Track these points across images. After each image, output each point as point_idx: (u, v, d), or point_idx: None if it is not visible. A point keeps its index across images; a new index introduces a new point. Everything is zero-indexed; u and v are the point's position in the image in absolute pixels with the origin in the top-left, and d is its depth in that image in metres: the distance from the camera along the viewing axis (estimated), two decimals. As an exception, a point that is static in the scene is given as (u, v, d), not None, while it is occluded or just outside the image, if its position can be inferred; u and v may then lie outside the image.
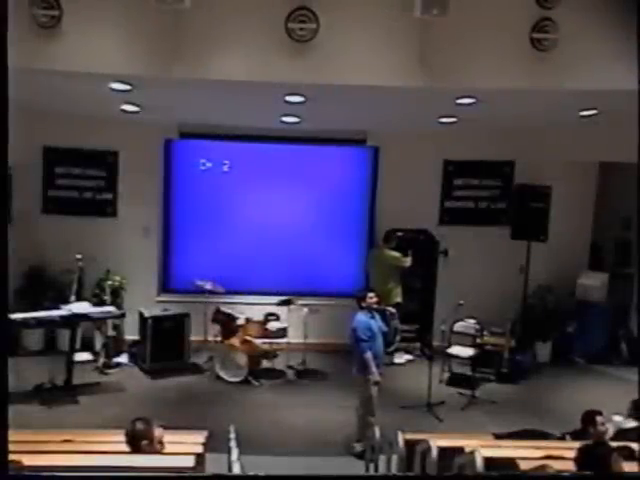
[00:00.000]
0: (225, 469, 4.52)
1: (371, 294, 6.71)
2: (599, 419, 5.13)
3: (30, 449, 3.99)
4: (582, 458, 3.41)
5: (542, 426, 6.36)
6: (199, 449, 4.38)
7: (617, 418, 5.58)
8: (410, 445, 5.03)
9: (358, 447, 6.50)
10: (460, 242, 9.75)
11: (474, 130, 9.07)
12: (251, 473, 4.27)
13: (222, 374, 8.42)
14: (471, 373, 8.56)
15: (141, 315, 8.74)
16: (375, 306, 6.69)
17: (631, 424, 5.56)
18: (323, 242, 10.03)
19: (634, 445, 4.21)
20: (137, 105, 7.86)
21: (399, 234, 9.40)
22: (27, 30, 5.58)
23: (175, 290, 9.91)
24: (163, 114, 8.67)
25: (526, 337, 9.38)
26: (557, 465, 3.64)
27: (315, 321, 9.18)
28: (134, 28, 5.92)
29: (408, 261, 9.13)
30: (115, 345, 8.82)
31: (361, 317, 6.60)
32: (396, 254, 9.17)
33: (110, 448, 4.20)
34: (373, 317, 6.65)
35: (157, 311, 8.84)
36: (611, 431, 5.29)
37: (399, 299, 9.16)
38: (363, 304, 6.65)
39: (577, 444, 3.89)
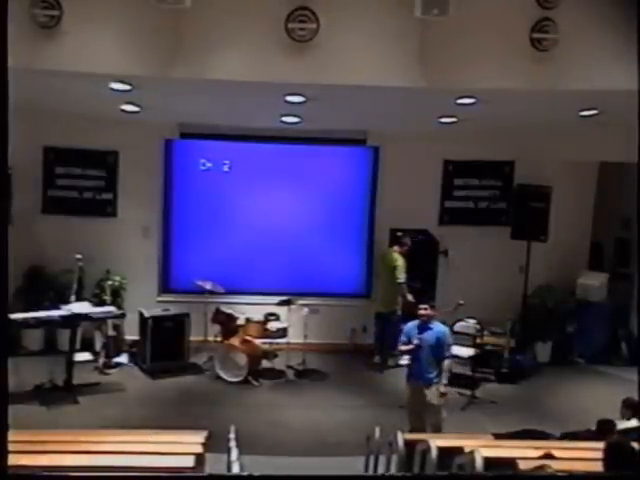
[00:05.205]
0: (225, 469, 4.52)
1: (422, 305, 6.62)
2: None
3: (30, 449, 3.99)
4: (609, 454, 3.38)
5: (542, 426, 6.38)
6: (199, 449, 4.37)
7: None
8: (410, 445, 5.02)
9: None
10: (460, 242, 9.76)
11: (474, 130, 9.07)
12: (249, 473, 4.28)
13: (222, 374, 8.42)
14: (471, 373, 8.55)
15: (141, 315, 8.74)
16: (424, 318, 6.52)
17: (624, 425, 5.57)
18: (323, 242, 10.02)
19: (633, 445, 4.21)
20: (137, 105, 7.86)
21: (399, 234, 9.40)
22: (27, 30, 5.58)
23: (175, 290, 9.90)
24: (163, 114, 8.67)
25: (526, 337, 9.38)
26: (556, 465, 3.64)
27: (315, 321, 9.19)
28: (134, 28, 5.93)
29: (402, 278, 8.95)
30: (115, 345, 8.81)
31: (408, 323, 6.68)
32: (399, 262, 9.02)
33: (110, 448, 4.20)
34: (427, 328, 6.49)
35: (157, 311, 8.84)
36: None
37: (397, 306, 9.07)
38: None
39: (576, 444, 3.89)
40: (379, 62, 6.08)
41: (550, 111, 7.59)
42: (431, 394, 6.42)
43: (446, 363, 6.46)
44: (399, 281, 8.96)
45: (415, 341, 6.48)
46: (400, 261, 9.06)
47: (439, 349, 6.44)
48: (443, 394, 6.41)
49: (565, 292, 9.71)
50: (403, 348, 6.70)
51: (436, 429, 6.41)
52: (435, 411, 6.47)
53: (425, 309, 6.55)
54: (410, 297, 8.74)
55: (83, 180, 9.47)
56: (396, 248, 9.22)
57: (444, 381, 6.41)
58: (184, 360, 8.82)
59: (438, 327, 6.55)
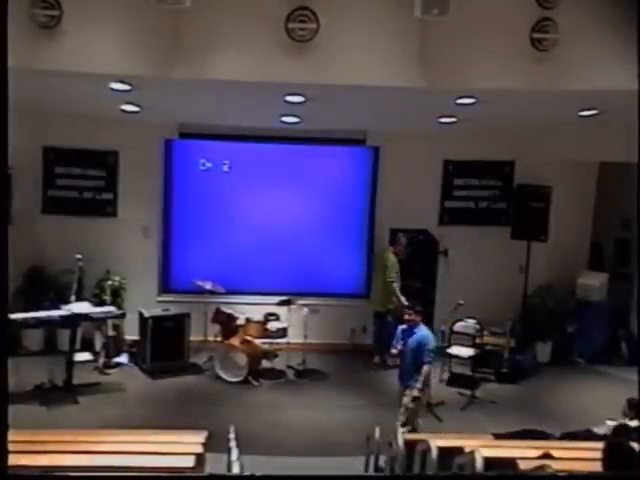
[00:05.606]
0: (225, 469, 4.52)
1: (407, 310, 6.73)
2: None
3: (30, 449, 3.99)
4: (609, 454, 3.37)
5: (542, 426, 6.39)
6: (199, 449, 4.38)
7: (610, 422, 5.58)
8: (410, 445, 5.03)
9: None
10: (460, 242, 9.76)
11: (474, 130, 9.07)
12: (250, 473, 4.28)
13: (222, 374, 8.42)
14: (471, 373, 8.56)
15: (141, 315, 8.74)
16: (410, 323, 6.62)
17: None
18: (323, 242, 10.02)
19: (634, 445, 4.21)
20: (137, 105, 7.86)
21: (400, 234, 9.41)
22: (27, 30, 5.58)
23: (175, 290, 9.90)
24: (163, 114, 8.67)
25: (526, 337, 9.38)
26: (556, 465, 3.64)
27: (315, 321, 9.19)
28: (134, 28, 5.92)
29: (391, 277, 9.07)
30: (115, 345, 8.81)
31: (399, 327, 6.78)
32: (389, 261, 9.13)
33: (110, 448, 4.21)
34: (411, 333, 6.57)
35: (157, 311, 8.84)
36: None
37: (391, 305, 9.15)
38: None
39: (576, 444, 3.89)
40: (379, 62, 6.08)
41: (550, 111, 7.59)
42: (407, 397, 6.52)
43: (424, 368, 6.48)
44: (389, 280, 9.03)
45: (398, 346, 6.63)
46: (391, 261, 9.15)
47: (419, 354, 6.50)
48: (415, 398, 6.48)
49: (565, 292, 9.71)
50: (391, 351, 6.85)
51: (411, 430, 6.44)
52: (410, 413, 6.53)
53: (409, 314, 6.64)
54: (403, 299, 8.67)
55: (83, 180, 9.47)
56: (391, 248, 9.29)
57: (418, 385, 6.46)
58: (184, 360, 8.82)
59: (421, 332, 6.60)
